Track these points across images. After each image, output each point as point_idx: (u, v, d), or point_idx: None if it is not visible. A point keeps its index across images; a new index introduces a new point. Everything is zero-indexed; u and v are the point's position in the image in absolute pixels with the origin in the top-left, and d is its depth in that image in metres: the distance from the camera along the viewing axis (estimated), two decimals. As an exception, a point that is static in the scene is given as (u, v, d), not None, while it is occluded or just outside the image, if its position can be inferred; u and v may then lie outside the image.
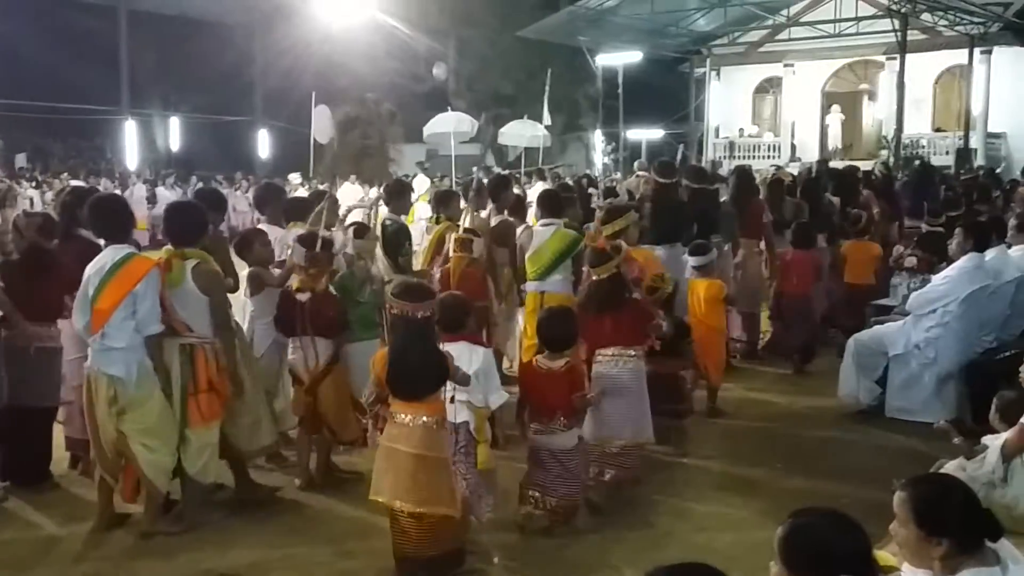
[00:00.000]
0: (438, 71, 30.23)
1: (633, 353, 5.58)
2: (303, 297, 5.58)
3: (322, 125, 8.20)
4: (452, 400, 4.61)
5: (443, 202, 7.96)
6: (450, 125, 21.83)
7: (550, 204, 7.49)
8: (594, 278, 5.77)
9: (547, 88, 20.60)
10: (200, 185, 20.19)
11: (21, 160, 25.44)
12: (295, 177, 22.02)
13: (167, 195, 20.27)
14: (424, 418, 4.42)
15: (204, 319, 5.11)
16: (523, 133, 23.28)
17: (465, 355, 4.72)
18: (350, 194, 16.40)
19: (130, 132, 27.45)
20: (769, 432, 7.05)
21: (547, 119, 19.79)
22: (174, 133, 28.99)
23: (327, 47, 26.51)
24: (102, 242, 5.14)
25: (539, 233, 7.24)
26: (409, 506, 4.37)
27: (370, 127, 7.47)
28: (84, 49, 26.85)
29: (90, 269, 4.90)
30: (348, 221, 6.76)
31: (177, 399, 5.04)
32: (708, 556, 2.64)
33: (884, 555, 2.54)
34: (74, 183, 16.16)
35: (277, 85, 30.05)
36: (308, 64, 27.41)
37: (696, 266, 7.47)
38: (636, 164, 19.47)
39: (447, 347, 4.66)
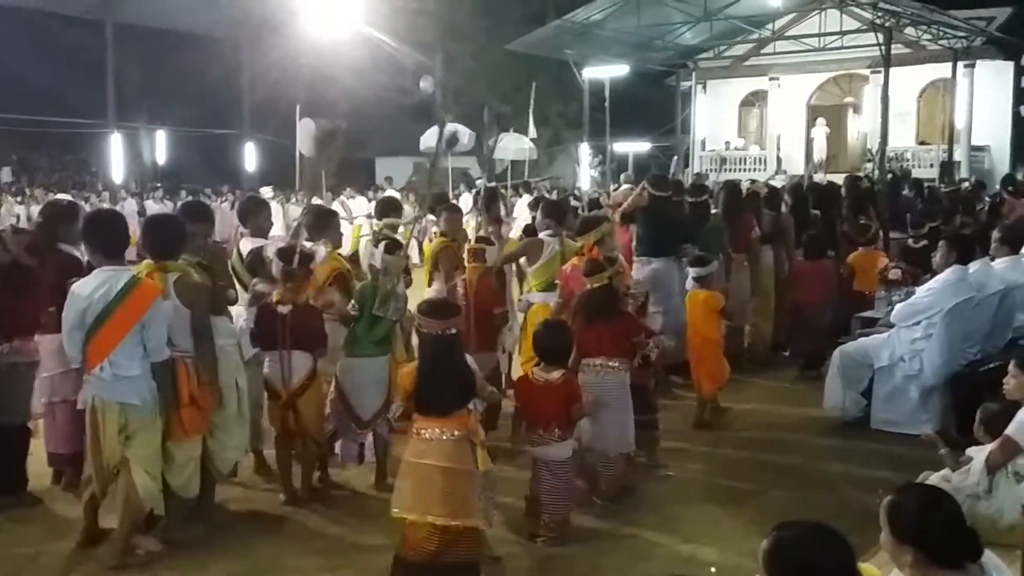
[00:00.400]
0: (425, 84, 30.18)
1: (618, 364, 5.64)
2: (284, 310, 5.57)
3: (306, 138, 8.17)
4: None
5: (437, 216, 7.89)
6: (512, 143, 21.99)
7: (555, 214, 7.55)
8: (587, 287, 5.82)
9: (532, 101, 20.65)
10: (189, 198, 20.22)
11: (6, 174, 25.34)
12: (266, 191, 21.93)
13: (156, 209, 20.17)
14: (454, 432, 4.51)
15: (186, 333, 5.06)
16: (510, 146, 23.39)
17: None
18: (361, 207, 16.36)
19: (116, 145, 27.26)
20: (755, 443, 7.07)
21: (532, 132, 19.86)
22: (160, 146, 28.87)
23: (314, 60, 26.53)
24: (85, 257, 5.07)
25: (548, 243, 7.27)
26: (442, 520, 4.42)
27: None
28: (70, 62, 26.82)
29: (85, 292, 4.75)
30: (362, 234, 6.76)
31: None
32: (694, 568, 2.62)
33: (868, 568, 2.55)
34: (58, 197, 16.11)
35: (264, 98, 30.03)
36: (295, 77, 27.45)
37: (696, 277, 7.52)
38: (623, 176, 19.54)
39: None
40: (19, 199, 20.07)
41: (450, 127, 20.54)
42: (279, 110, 24.35)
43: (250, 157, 30.13)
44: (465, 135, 21.89)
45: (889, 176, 18.63)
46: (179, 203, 19.63)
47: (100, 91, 28.17)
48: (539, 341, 5.32)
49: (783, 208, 10.04)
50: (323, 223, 6.52)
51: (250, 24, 29.70)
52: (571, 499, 5.25)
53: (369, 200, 21.35)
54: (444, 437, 4.51)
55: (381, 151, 32.71)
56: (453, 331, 4.66)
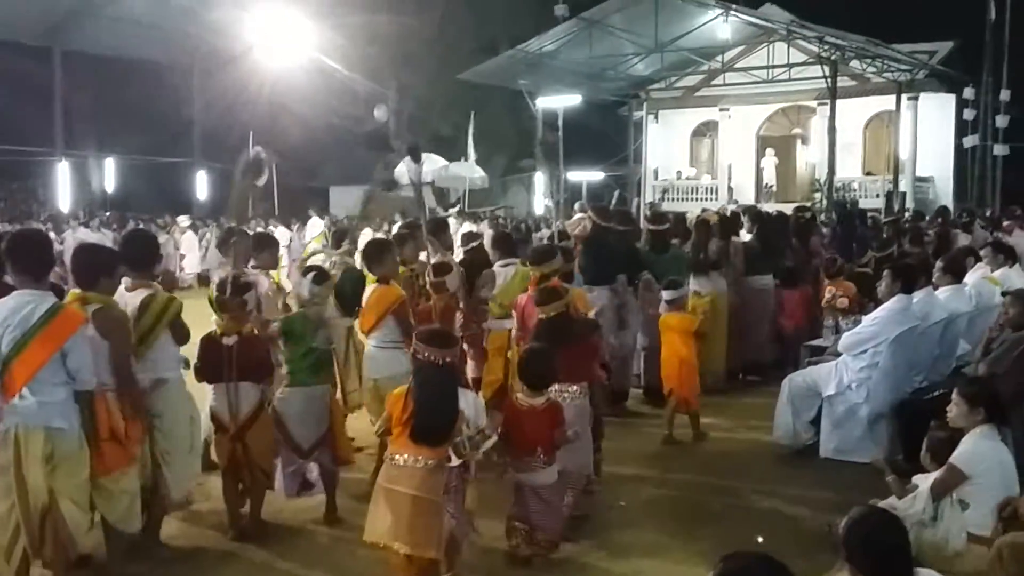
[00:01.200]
0: (379, 113, 30.27)
1: (576, 389, 5.67)
2: (229, 341, 5.49)
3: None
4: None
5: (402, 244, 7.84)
6: (464, 171, 22.30)
7: (505, 244, 7.74)
8: (541, 316, 5.83)
9: (471, 129, 20.78)
10: (136, 226, 19.91)
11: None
12: (183, 220, 21.61)
13: (94, 239, 19.61)
14: (428, 461, 4.54)
15: (105, 365, 4.85)
16: (461, 174, 23.52)
17: (461, 399, 4.78)
18: (283, 237, 16.18)
19: (63, 174, 26.95)
20: (706, 471, 7.07)
21: (472, 157, 19.96)
22: (109, 174, 28.51)
23: (267, 88, 26.42)
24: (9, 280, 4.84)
25: (500, 273, 7.41)
26: (405, 548, 4.48)
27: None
28: (17, 89, 26.41)
29: (1, 316, 4.52)
30: (309, 264, 6.71)
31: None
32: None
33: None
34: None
35: (216, 126, 29.82)
36: (248, 105, 27.27)
37: (669, 300, 7.79)
38: (577, 205, 19.65)
39: None
40: None
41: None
42: (231, 138, 24.14)
43: (201, 185, 29.89)
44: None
45: (848, 206, 18.90)
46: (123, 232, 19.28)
47: (48, 118, 27.84)
48: (524, 367, 5.32)
49: (742, 235, 10.35)
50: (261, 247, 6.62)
51: (201, 52, 29.63)
52: (562, 520, 5.30)
53: (292, 229, 21.37)
54: (418, 465, 4.54)
55: (335, 180, 32.59)
56: (452, 360, 4.70)
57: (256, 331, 5.74)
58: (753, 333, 9.84)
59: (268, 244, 7.39)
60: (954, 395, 4.95)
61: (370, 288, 6.60)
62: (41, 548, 4.63)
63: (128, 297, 5.23)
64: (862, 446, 6.98)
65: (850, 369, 7.07)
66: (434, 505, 4.54)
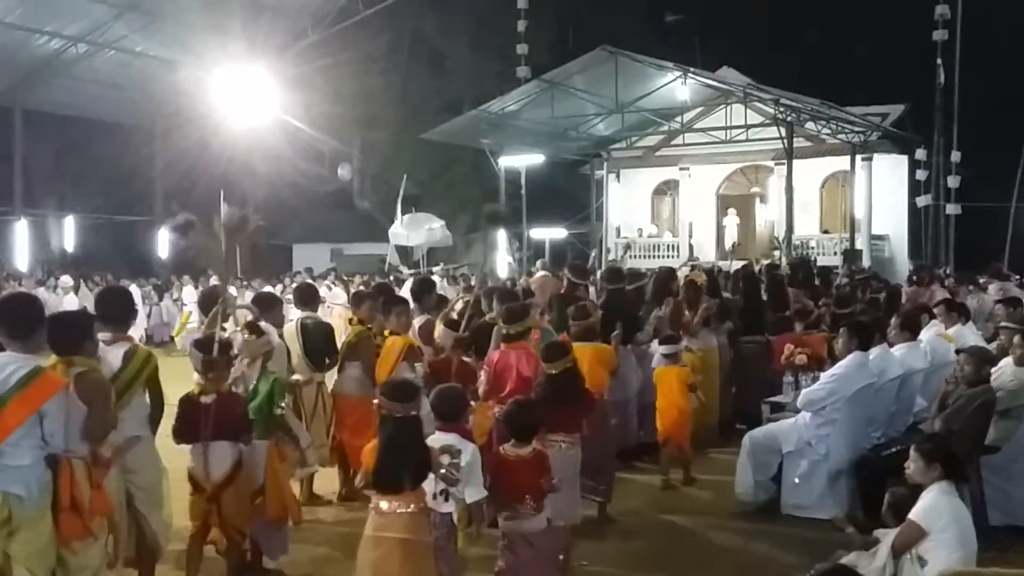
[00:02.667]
0: (343, 171, 30.39)
1: (567, 438, 5.84)
2: (207, 400, 5.48)
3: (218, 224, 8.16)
4: (443, 493, 4.84)
5: (357, 303, 8.08)
6: (422, 225, 22.78)
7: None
8: (550, 372, 5.97)
9: (401, 192, 20.97)
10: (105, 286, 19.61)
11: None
12: (66, 280, 20.99)
13: (51, 300, 19.11)
14: (410, 507, 4.62)
15: (75, 430, 4.71)
16: (419, 230, 23.69)
17: (457, 447, 4.86)
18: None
19: (22, 232, 26.68)
20: (666, 528, 7.05)
21: (400, 218, 20.11)
22: (69, 233, 28.26)
23: (230, 148, 26.43)
24: None
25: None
26: None
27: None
28: (-24, 148, 26.25)
29: None
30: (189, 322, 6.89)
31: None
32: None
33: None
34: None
35: (178, 185, 29.68)
36: (210, 164, 27.24)
37: (666, 354, 8.24)
38: (539, 263, 19.75)
39: (441, 436, 4.90)
40: None
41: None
42: (193, 197, 24.05)
43: (163, 244, 29.65)
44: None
45: (791, 263, 19.12)
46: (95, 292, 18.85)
47: (7, 177, 27.62)
48: (511, 419, 5.35)
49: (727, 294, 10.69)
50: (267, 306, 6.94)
51: (163, 112, 29.62)
52: (554, 566, 5.31)
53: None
54: (401, 511, 4.62)
55: (298, 238, 32.57)
56: (413, 413, 4.73)
57: (235, 388, 5.77)
58: (747, 386, 9.99)
59: (275, 303, 7.49)
60: (911, 451, 4.97)
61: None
62: None
63: (108, 351, 5.26)
64: (822, 503, 6.99)
65: (809, 426, 7.11)
66: (425, 546, 4.65)
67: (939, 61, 27.69)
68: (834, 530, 6.45)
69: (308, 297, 8.27)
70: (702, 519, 7.31)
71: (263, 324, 6.56)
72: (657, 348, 8.41)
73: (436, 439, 4.90)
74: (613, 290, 9.00)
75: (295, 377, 7.16)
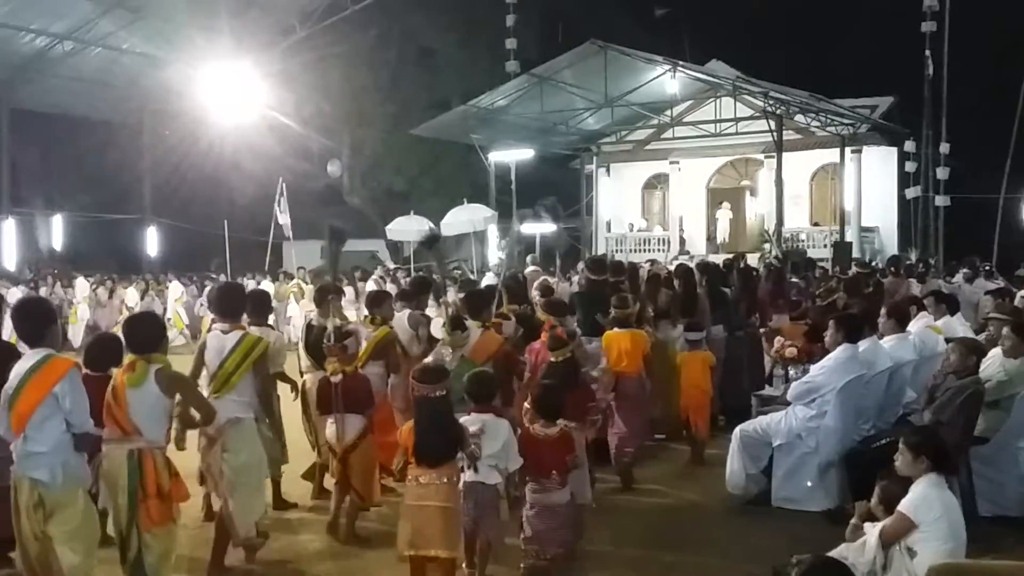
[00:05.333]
0: (332, 168, 30.32)
1: (576, 426, 6.20)
2: (336, 379, 6.45)
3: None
4: (475, 467, 5.46)
5: (376, 303, 8.08)
6: (412, 226, 22.72)
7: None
8: (552, 359, 6.64)
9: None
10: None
11: None
12: (82, 283, 20.88)
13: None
14: (445, 478, 5.26)
15: (158, 424, 5.17)
16: (411, 229, 23.59)
17: (491, 425, 5.51)
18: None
19: (8, 231, 26.58)
20: (660, 522, 7.08)
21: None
22: (57, 232, 28.16)
23: (218, 145, 26.36)
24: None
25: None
26: (444, 552, 5.20)
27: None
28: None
29: (12, 375, 4.93)
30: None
31: (124, 504, 5.04)
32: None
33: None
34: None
35: (166, 182, 29.60)
36: (197, 161, 27.20)
37: (691, 340, 8.91)
38: (529, 258, 19.71)
39: (475, 416, 5.53)
40: None
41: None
42: (181, 194, 24.03)
43: (152, 241, 29.59)
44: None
45: (775, 259, 19.18)
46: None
47: (-7, 176, 27.52)
48: (540, 400, 5.86)
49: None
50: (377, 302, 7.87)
51: (150, 109, 29.53)
52: (575, 534, 5.92)
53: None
54: (440, 482, 5.24)
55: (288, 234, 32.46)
56: (442, 393, 5.31)
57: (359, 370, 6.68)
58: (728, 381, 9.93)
59: (384, 299, 8.19)
60: (900, 444, 4.97)
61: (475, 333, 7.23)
62: None
63: (225, 339, 6.05)
64: (813, 495, 7.01)
65: (799, 418, 7.12)
66: (455, 513, 5.29)
67: (927, 53, 27.77)
68: (823, 523, 6.48)
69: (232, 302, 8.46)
70: (693, 511, 7.35)
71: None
72: (683, 334, 9.05)
73: (470, 420, 5.48)
74: (596, 280, 9.16)
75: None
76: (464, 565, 5.63)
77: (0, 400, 4.93)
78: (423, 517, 5.23)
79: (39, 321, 5.17)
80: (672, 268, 13.48)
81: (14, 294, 19.40)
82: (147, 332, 5.40)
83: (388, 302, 8.17)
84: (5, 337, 10.75)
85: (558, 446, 5.69)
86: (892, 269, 15.47)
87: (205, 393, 5.90)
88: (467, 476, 5.47)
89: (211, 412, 5.47)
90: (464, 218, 23.98)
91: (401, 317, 8.07)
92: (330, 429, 6.51)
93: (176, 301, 20.72)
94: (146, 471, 5.07)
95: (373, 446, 6.53)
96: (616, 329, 8.09)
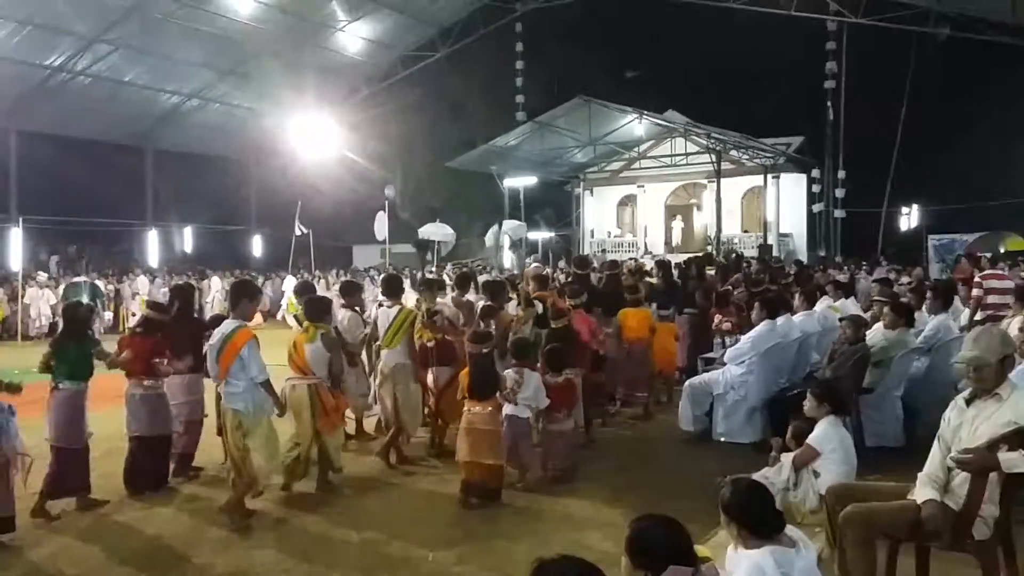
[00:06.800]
0: (388, 191, 30.20)
1: (574, 373, 6.49)
2: (430, 344, 6.72)
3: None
4: (514, 403, 5.80)
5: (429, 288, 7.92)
6: (437, 231, 23.80)
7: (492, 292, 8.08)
8: (553, 325, 6.80)
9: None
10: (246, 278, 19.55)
11: (53, 263, 24.20)
12: (216, 281, 20.90)
13: (160, 291, 19.15)
14: (489, 408, 5.63)
15: (323, 368, 5.87)
16: (436, 232, 24.13)
17: (527, 376, 5.83)
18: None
19: (152, 239, 26.71)
20: (631, 453, 7.06)
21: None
22: (187, 239, 28.28)
23: (303, 174, 26.37)
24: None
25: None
26: (490, 460, 5.51)
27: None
28: (119, 178, 26.19)
29: (216, 334, 5.33)
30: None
31: (308, 418, 5.75)
32: (582, 552, 2.57)
33: (702, 548, 2.52)
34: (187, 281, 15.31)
35: (266, 202, 29.63)
36: (288, 187, 27.19)
37: (661, 315, 9.03)
38: (531, 257, 19.72)
39: (516, 369, 5.84)
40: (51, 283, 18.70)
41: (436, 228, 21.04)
42: (278, 211, 24.06)
43: (256, 246, 29.69)
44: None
45: (733, 256, 19.06)
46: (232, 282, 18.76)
47: (141, 198, 27.65)
48: (549, 358, 6.16)
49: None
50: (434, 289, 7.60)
51: (256, 148, 29.59)
52: (575, 454, 6.24)
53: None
54: (486, 411, 5.59)
55: (355, 240, 32.48)
56: (487, 350, 5.74)
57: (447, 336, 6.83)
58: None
59: (469, 279, 8.23)
60: (808, 394, 4.96)
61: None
62: (239, 481, 5.29)
63: (390, 312, 6.56)
64: (743, 431, 7.03)
65: (732, 374, 7.12)
66: (497, 434, 5.60)
67: (829, 103, 27.61)
68: (751, 451, 6.47)
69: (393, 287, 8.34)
70: (655, 444, 7.36)
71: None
72: (656, 311, 9.03)
73: (512, 372, 5.83)
74: (582, 275, 9.15)
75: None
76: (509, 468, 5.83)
77: (210, 352, 5.33)
78: (474, 435, 5.52)
79: (235, 295, 5.56)
80: (644, 264, 13.40)
81: (157, 285, 19.57)
82: (318, 308, 6.12)
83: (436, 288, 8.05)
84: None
85: (564, 390, 6.04)
86: (821, 267, 15.34)
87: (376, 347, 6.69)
88: (506, 410, 5.74)
89: (341, 370, 6.03)
90: (436, 232, 24.60)
91: (445, 302, 7.91)
92: (431, 377, 6.75)
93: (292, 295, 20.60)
94: (321, 397, 5.75)
95: (457, 388, 6.51)
96: (631, 308, 8.32)
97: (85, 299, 14.05)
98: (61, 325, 6.05)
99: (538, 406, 5.84)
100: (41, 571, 4.64)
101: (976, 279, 8.96)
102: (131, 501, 5.79)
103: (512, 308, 7.65)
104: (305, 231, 20.32)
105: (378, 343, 6.77)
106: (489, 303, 7.19)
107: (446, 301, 7.84)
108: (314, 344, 5.85)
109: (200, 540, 5.03)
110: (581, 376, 6.71)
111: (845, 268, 17.25)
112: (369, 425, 7.58)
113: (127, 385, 6.01)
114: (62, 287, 18.02)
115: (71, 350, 5.56)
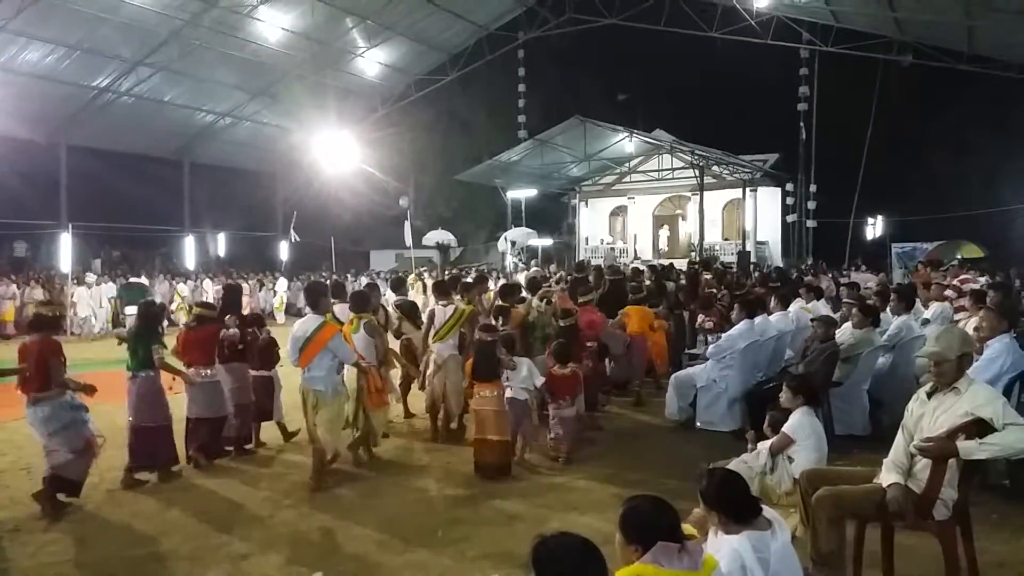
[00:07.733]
0: (403, 201, 30.19)
1: (577, 366, 6.56)
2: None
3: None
4: (523, 389, 5.99)
5: (466, 288, 7.95)
6: (441, 237, 24.31)
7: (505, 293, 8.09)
8: (561, 324, 7.00)
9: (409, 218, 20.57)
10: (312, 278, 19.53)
11: (96, 266, 24.16)
12: (269, 283, 21.03)
13: (210, 289, 19.38)
14: (496, 391, 5.82)
15: (370, 353, 6.10)
16: (440, 238, 24.47)
17: (517, 361, 6.07)
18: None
19: (189, 244, 26.73)
20: (622, 436, 7.05)
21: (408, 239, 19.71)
22: (221, 244, 28.27)
23: (326, 186, 26.36)
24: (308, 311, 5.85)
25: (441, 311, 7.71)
26: (496, 437, 5.69)
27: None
28: (158, 188, 26.21)
29: (299, 330, 5.60)
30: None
31: (354, 397, 6.02)
32: (579, 528, 2.56)
33: (688, 526, 2.51)
34: (235, 281, 15.30)
35: (292, 210, 29.50)
36: (312, 197, 27.22)
37: (656, 314, 8.96)
38: (531, 262, 19.70)
39: (508, 356, 6.02)
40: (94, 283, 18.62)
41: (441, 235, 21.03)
42: (302, 218, 24.03)
43: (284, 250, 29.69)
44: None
45: (696, 265, 19.02)
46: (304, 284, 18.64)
47: (179, 207, 27.63)
48: (556, 352, 6.34)
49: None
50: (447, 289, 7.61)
51: (283, 162, 29.59)
52: (578, 438, 6.34)
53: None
54: (493, 394, 5.78)
55: (374, 246, 32.50)
56: (492, 339, 5.98)
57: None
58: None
59: (517, 287, 8.18)
60: (783, 386, 4.95)
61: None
62: (317, 449, 5.62)
63: (444, 311, 6.80)
64: (724, 420, 7.01)
65: (714, 369, 7.10)
66: (504, 414, 5.78)
67: (802, 124, 27.50)
68: (730, 438, 6.45)
69: (398, 285, 8.83)
70: (644, 430, 7.34)
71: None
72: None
73: (506, 358, 5.99)
74: (579, 278, 9.16)
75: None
76: (514, 447, 5.99)
77: (292, 343, 5.56)
78: (482, 415, 5.72)
79: (312, 295, 5.82)
80: (634, 267, 13.35)
81: (207, 286, 19.58)
82: (363, 301, 6.31)
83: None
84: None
85: (569, 380, 6.23)
86: (813, 272, 15.36)
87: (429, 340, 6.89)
88: (508, 393, 5.92)
89: (386, 355, 6.27)
90: (439, 236, 25.09)
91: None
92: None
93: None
94: (370, 378, 5.98)
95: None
96: (634, 306, 8.54)
97: (158, 299, 13.98)
98: (135, 322, 6.11)
99: (535, 385, 6.02)
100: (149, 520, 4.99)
101: (955, 283, 8.99)
102: (195, 472, 6.08)
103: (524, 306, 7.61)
104: (299, 239, 20.67)
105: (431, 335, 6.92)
106: (500, 303, 7.27)
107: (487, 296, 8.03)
108: (359, 333, 6.10)
109: (255, 503, 5.33)
110: (583, 369, 6.78)
111: (828, 274, 17.36)
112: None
113: (189, 372, 6.20)
114: (103, 287, 18.05)
115: (146, 343, 5.77)
